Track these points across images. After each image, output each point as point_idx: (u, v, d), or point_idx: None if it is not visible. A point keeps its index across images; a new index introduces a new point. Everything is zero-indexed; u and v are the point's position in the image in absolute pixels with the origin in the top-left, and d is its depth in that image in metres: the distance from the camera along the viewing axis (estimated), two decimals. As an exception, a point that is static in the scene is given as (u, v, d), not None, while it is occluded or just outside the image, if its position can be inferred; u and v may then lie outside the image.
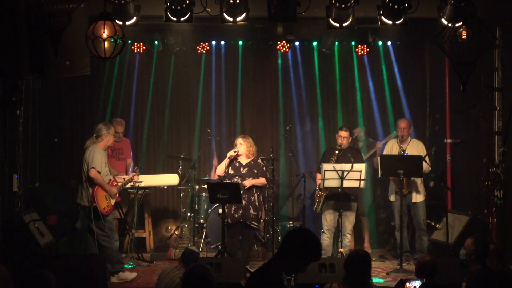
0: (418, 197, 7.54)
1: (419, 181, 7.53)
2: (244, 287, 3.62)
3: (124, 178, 7.14)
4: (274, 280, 3.26)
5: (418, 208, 7.55)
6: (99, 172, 6.63)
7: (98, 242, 6.65)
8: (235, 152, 7.12)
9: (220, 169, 7.23)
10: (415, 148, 7.59)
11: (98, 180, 6.62)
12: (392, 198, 7.70)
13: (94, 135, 6.86)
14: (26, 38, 5.59)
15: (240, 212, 7.01)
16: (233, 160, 7.19)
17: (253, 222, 7.08)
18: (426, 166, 7.31)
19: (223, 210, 6.79)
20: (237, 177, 7.08)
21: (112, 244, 6.75)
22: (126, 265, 7.16)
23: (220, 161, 7.75)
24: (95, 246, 6.79)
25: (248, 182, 7.03)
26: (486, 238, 6.89)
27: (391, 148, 7.75)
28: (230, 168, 7.17)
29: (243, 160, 7.18)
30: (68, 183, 8.55)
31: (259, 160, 7.28)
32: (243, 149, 7.15)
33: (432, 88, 9.26)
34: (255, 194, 7.12)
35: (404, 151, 7.51)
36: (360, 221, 8.28)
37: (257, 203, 7.11)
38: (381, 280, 6.76)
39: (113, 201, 6.85)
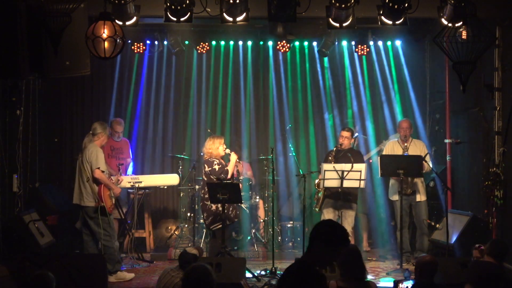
0: (421, 197, 7.56)
1: (419, 181, 7.53)
2: (278, 284, 3.62)
3: (112, 179, 7.07)
4: (308, 274, 3.26)
5: (420, 208, 7.56)
6: (103, 172, 6.64)
7: (101, 243, 6.66)
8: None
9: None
10: (416, 147, 7.60)
11: (103, 180, 6.62)
12: (394, 197, 7.70)
13: (91, 132, 6.84)
14: (26, 38, 5.59)
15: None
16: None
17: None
18: (426, 166, 7.31)
19: (223, 210, 6.80)
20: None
21: (113, 244, 6.76)
22: (126, 265, 7.17)
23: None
24: (93, 246, 6.79)
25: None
26: (486, 238, 6.88)
27: (392, 148, 7.75)
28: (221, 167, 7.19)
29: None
30: (68, 183, 8.55)
31: None
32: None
33: (432, 88, 9.26)
34: None
35: (407, 150, 7.52)
36: (359, 219, 8.28)
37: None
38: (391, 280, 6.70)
39: (114, 200, 6.86)
